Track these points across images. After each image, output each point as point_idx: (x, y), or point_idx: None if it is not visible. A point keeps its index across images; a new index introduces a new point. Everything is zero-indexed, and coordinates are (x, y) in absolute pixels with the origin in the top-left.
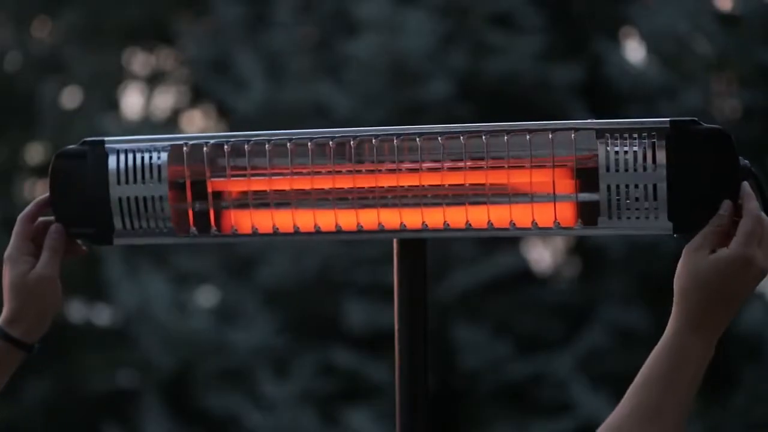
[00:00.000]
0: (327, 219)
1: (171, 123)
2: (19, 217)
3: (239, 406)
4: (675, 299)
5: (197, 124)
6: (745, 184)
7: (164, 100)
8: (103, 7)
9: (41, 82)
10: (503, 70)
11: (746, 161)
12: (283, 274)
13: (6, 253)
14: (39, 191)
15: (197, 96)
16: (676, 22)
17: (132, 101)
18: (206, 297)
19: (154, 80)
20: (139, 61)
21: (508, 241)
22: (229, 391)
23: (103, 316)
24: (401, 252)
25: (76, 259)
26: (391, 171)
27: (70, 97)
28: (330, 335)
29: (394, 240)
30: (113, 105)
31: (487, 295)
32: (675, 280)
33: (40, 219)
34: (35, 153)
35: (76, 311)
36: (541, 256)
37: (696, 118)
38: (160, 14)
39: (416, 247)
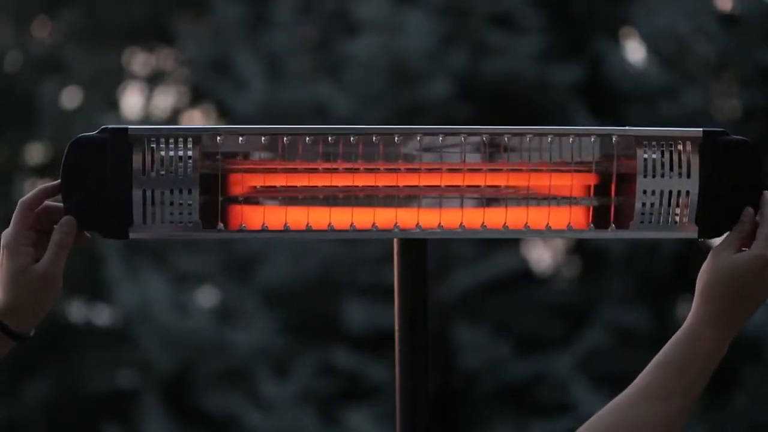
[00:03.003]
0: (360, 217)
1: (171, 123)
2: (20, 202)
3: (239, 406)
4: (696, 294)
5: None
6: (766, 193)
7: (164, 100)
8: (103, 7)
9: (41, 82)
10: (503, 70)
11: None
12: (283, 274)
13: (4, 241)
14: None
15: (197, 96)
16: (676, 22)
17: (132, 101)
18: (206, 297)
19: (154, 80)
20: (139, 61)
21: (508, 241)
22: (229, 391)
23: (103, 316)
24: (401, 252)
25: (82, 248)
26: (392, 170)
27: (70, 97)
28: (330, 335)
29: (395, 240)
30: (113, 105)
31: (487, 295)
32: (698, 277)
33: (45, 203)
34: (35, 153)
35: (76, 311)
36: (541, 256)
37: (725, 130)
38: (160, 14)
39: (416, 247)
